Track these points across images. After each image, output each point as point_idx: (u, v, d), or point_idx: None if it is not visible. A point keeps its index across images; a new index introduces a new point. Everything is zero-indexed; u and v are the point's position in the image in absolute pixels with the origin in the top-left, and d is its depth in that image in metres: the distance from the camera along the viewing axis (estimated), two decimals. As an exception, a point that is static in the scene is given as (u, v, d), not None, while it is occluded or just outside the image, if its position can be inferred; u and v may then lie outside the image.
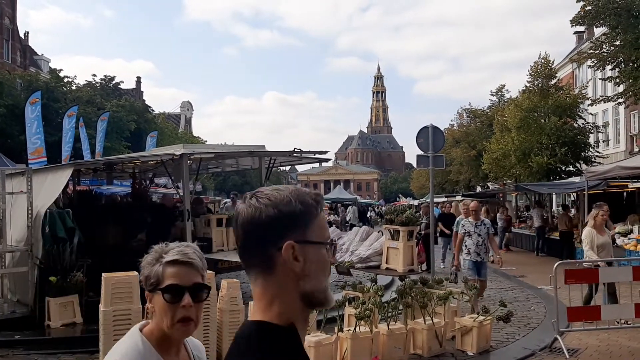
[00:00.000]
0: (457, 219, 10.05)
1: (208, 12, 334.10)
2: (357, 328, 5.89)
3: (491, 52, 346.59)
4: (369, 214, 44.27)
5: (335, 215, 38.43)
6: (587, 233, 7.86)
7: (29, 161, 18.08)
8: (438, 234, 14.34)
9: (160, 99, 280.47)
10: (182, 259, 1.64)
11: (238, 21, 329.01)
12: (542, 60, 24.58)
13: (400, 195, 78.91)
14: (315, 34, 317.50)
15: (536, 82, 24.58)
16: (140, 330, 1.66)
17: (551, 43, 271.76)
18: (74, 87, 32.35)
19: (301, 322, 1.14)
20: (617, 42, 16.53)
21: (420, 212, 15.36)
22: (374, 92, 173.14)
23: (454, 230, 10.06)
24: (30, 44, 40.99)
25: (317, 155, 10.77)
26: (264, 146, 10.77)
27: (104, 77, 39.75)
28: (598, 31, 23.05)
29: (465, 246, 8.39)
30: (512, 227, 22.07)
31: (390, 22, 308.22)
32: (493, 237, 8.76)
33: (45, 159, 18.94)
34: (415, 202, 46.67)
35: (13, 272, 8.29)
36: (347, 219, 34.37)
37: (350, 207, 40.57)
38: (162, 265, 1.63)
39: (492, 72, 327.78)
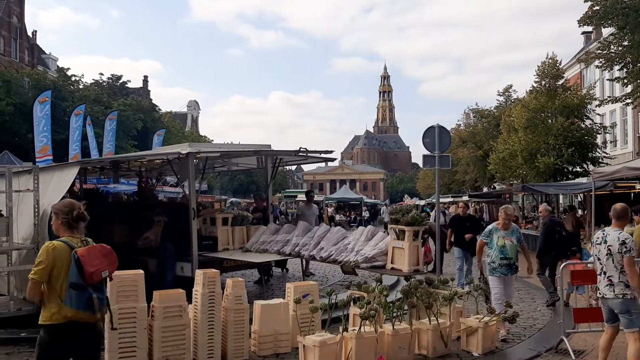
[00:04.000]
0: (490, 227, 7.85)
1: (213, 13, 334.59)
2: (362, 328, 5.88)
3: (495, 54, 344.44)
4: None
5: (341, 215, 38.82)
6: None
7: (36, 159, 18.20)
8: (452, 242, 11.71)
9: (167, 98, 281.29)
10: None
11: (242, 22, 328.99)
12: (550, 61, 24.48)
13: (406, 195, 78.74)
14: (319, 35, 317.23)
15: (543, 83, 24.48)
16: None
17: (556, 44, 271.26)
18: (81, 86, 32.51)
19: None
20: (625, 43, 16.45)
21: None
22: (380, 92, 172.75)
23: (479, 239, 7.95)
24: (38, 42, 41.22)
25: (323, 155, 10.74)
26: (269, 145, 10.77)
27: (111, 76, 39.94)
28: (606, 31, 22.93)
29: None
30: (519, 228, 21.97)
31: (393, 23, 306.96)
32: None
33: (52, 157, 19.06)
34: (422, 202, 46.64)
35: (19, 269, 8.31)
36: (387, 219, 36.18)
37: (384, 207, 43.68)
38: None
39: (496, 73, 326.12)
